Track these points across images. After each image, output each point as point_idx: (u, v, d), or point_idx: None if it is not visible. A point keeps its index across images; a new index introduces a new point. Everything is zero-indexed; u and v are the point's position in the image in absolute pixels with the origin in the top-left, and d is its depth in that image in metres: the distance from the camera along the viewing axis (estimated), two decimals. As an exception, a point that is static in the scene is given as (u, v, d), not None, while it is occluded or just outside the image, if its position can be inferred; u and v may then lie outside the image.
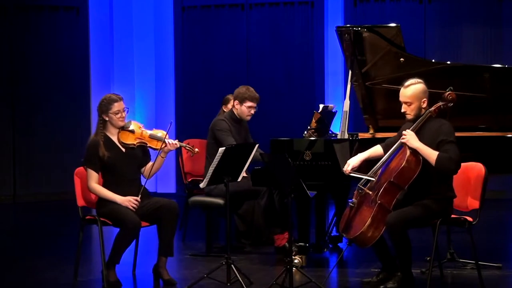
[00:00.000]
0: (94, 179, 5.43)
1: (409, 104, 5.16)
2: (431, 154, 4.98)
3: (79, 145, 10.33)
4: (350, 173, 5.22)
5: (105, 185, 5.46)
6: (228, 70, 10.78)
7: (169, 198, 5.74)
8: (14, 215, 9.81)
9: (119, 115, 5.47)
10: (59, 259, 6.46)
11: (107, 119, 5.48)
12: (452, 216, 5.19)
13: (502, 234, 7.83)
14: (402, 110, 5.19)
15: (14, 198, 10.48)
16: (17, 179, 10.51)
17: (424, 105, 5.16)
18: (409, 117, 5.18)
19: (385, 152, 5.24)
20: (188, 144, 5.65)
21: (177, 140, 5.60)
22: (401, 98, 5.19)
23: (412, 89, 5.15)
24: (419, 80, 5.20)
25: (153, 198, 5.58)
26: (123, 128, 5.53)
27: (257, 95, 6.65)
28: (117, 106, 5.46)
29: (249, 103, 6.61)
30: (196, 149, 5.59)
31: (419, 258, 5.78)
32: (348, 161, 5.27)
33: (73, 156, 10.13)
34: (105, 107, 5.47)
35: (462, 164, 5.29)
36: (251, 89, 6.64)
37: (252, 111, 6.66)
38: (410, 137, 5.07)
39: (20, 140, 10.51)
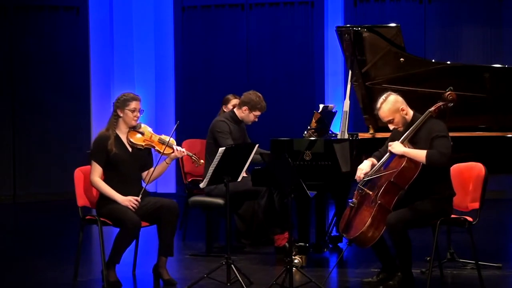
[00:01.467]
0: (97, 173, 5.42)
1: (391, 120, 5.16)
2: (420, 154, 4.97)
3: (79, 145, 10.33)
4: (364, 178, 5.17)
5: (106, 182, 5.44)
6: (228, 70, 10.77)
7: (169, 198, 5.74)
8: (14, 215, 9.81)
9: (135, 113, 5.49)
10: (59, 259, 6.46)
11: (121, 115, 5.48)
12: (452, 216, 5.19)
13: (502, 234, 7.83)
14: (391, 128, 5.20)
15: (14, 198, 10.47)
16: (17, 179, 10.50)
17: (405, 112, 5.15)
18: (400, 129, 5.18)
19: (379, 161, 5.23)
20: (195, 154, 5.61)
21: (184, 148, 5.59)
22: (383, 120, 5.21)
23: (385, 107, 5.15)
24: (387, 94, 5.20)
25: (153, 198, 5.58)
26: (134, 129, 5.53)
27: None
28: (134, 104, 5.48)
29: (258, 112, 6.66)
30: (202, 161, 5.60)
31: (419, 258, 5.77)
32: (360, 167, 5.21)
33: (73, 156, 10.13)
34: (123, 102, 5.47)
35: (462, 164, 5.30)
36: (262, 98, 6.66)
37: (256, 119, 6.70)
38: (394, 146, 5.07)
39: (20, 140, 10.50)
